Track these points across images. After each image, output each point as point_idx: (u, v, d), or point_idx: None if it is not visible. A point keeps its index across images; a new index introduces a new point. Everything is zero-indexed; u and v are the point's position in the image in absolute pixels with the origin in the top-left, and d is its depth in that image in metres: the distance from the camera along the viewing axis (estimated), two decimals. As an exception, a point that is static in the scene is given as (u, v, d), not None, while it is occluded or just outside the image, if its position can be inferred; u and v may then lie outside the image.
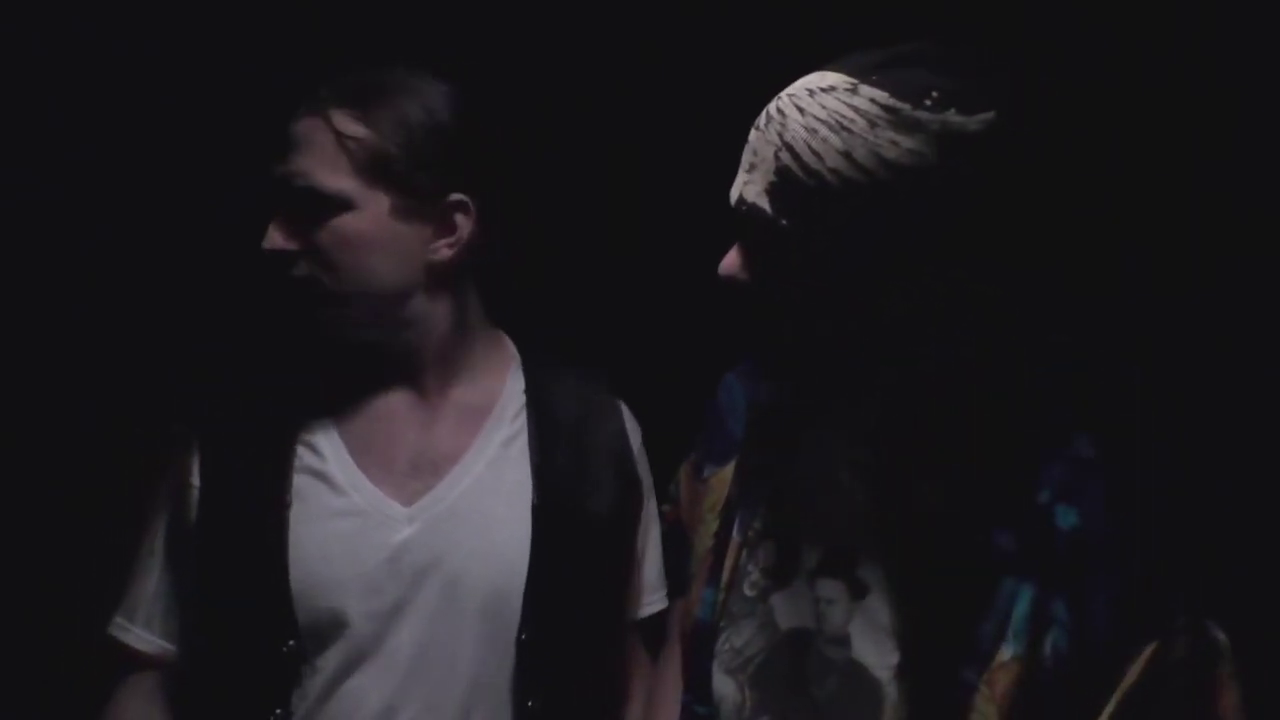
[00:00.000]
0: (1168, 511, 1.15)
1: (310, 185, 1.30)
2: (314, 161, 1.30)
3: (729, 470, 1.36)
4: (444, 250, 1.35)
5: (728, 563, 1.30)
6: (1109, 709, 1.11)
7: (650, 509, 1.47)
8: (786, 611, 1.25)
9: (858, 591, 1.21)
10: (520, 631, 1.33)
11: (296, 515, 1.32)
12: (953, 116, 1.07)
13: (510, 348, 1.48)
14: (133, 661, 1.37)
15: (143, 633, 1.37)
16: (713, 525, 1.34)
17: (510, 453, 1.40)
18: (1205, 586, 1.14)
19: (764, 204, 1.13)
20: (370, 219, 1.31)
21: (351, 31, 1.70)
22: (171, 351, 1.67)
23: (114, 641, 1.37)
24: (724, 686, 1.27)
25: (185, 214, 1.72)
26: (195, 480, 1.35)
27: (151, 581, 1.37)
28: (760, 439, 1.33)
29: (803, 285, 1.14)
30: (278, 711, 1.30)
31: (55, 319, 1.72)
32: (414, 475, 1.36)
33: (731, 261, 1.18)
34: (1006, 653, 1.13)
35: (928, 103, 1.07)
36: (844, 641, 1.21)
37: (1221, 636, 1.15)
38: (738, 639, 1.27)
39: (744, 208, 1.15)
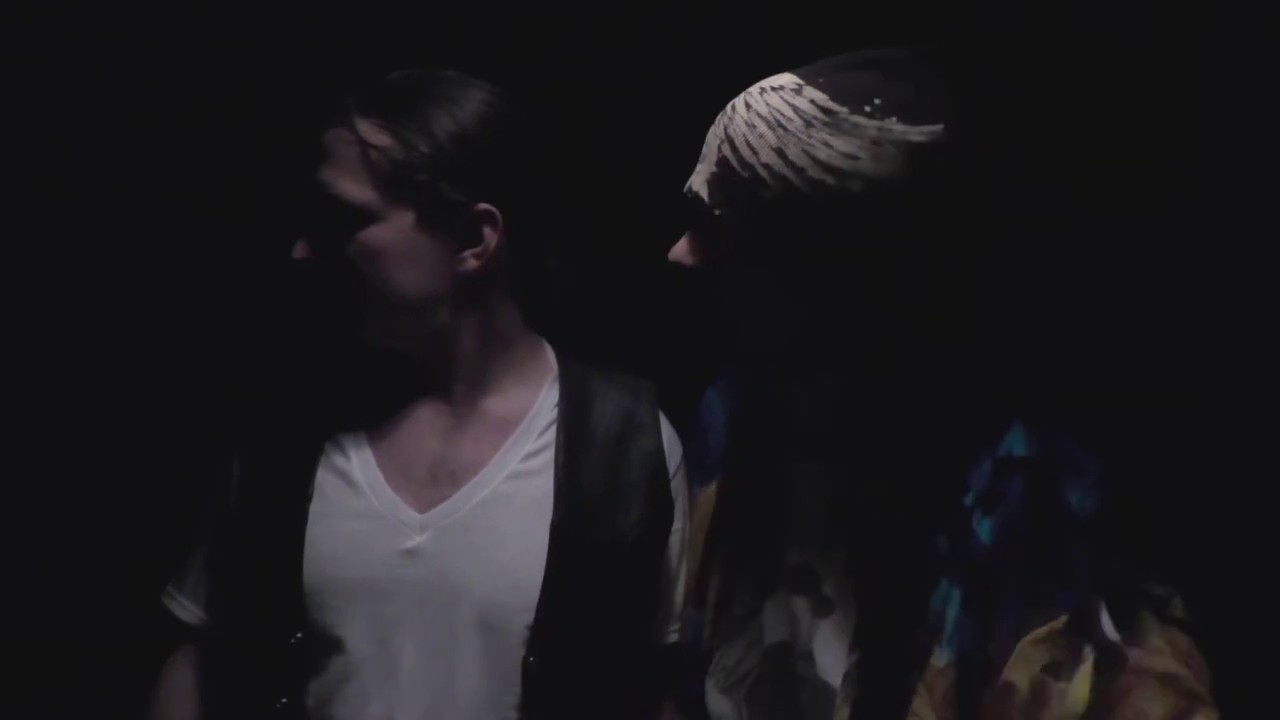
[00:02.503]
0: (1079, 518, 1.11)
1: (334, 196, 1.31)
2: (339, 173, 1.31)
3: (712, 490, 1.36)
4: (470, 261, 1.34)
5: (713, 582, 1.30)
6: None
7: (686, 530, 1.43)
8: (771, 627, 1.25)
9: (822, 608, 1.21)
10: (528, 654, 1.31)
11: (316, 511, 1.34)
12: (893, 124, 1.08)
13: (550, 358, 1.46)
14: (178, 630, 1.44)
15: (188, 603, 1.43)
16: (700, 546, 1.35)
17: (534, 467, 1.38)
18: (1115, 592, 1.09)
19: (704, 193, 1.16)
20: (395, 231, 1.31)
21: (369, 36, 1.72)
22: (217, 350, 1.74)
23: (164, 609, 1.44)
24: (720, 706, 1.27)
25: (226, 219, 1.78)
26: (235, 469, 1.40)
27: (199, 558, 1.44)
28: (740, 455, 1.33)
29: (736, 276, 1.16)
30: (283, 701, 1.32)
31: (101, 319, 1.81)
32: (432, 483, 1.36)
33: (679, 248, 1.21)
34: (942, 658, 1.12)
35: (867, 109, 1.08)
36: (809, 657, 1.21)
37: (1127, 649, 1.07)
38: (730, 658, 1.27)
39: (690, 195, 1.18)
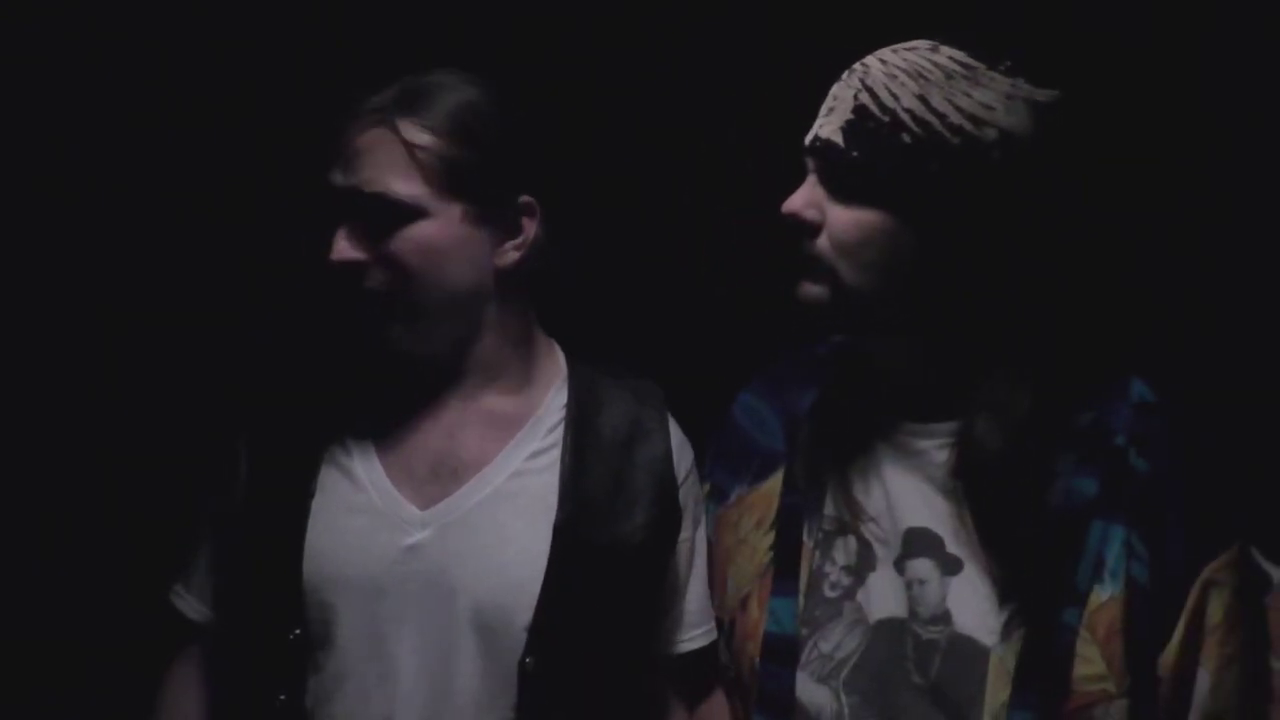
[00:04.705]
0: (1221, 449, 1.22)
1: (383, 193, 1.30)
2: (384, 171, 1.30)
3: (772, 484, 1.37)
4: (511, 253, 1.36)
5: (802, 569, 1.30)
6: (1178, 634, 1.16)
7: (696, 538, 1.43)
8: (876, 603, 1.26)
9: (950, 566, 1.23)
10: (524, 656, 1.30)
11: (318, 507, 1.34)
12: (1023, 83, 1.20)
13: (560, 359, 1.46)
14: (184, 629, 1.43)
15: (194, 601, 1.43)
16: (764, 542, 1.35)
17: (539, 466, 1.37)
18: (1255, 520, 1.21)
19: (838, 139, 1.22)
20: (443, 226, 1.31)
21: (369, 36, 1.73)
22: (226, 347, 1.74)
23: (170, 607, 1.44)
24: (817, 696, 1.27)
25: (227, 218, 1.79)
26: (239, 466, 1.40)
27: (204, 555, 1.43)
28: (812, 441, 1.35)
29: (852, 223, 1.21)
30: (281, 697, 1.31)
31: (103, 319, 1.82)
32: (434, 480, 1.35)
33: (797, 200, 1.25)
34: (1104, 593, 1.18)
35: (1001, 67, 1.21)
36: (944, 618, 1.22)
37: (1272, 567, 1.21)
38: (826, 644, 1.28)
39: (818, 144, 1.24)
